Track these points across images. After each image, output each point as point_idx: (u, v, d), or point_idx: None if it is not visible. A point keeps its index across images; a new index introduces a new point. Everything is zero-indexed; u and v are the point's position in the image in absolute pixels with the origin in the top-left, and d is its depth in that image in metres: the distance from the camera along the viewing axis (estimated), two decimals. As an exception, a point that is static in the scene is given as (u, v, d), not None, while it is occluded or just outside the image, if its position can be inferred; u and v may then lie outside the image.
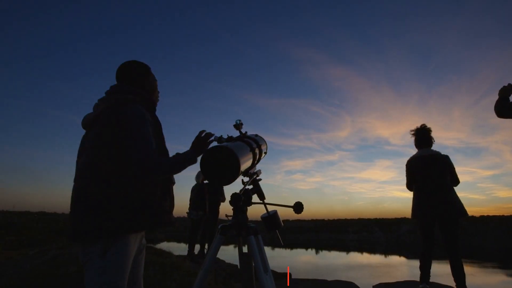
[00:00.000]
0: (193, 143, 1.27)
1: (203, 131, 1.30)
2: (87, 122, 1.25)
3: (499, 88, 2.01)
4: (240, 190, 1.15)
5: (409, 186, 3.04)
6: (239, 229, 1.12)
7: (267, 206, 1.23)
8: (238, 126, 1.30)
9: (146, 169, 1.09)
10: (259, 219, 1.25)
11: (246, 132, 1.36)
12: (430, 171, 2.84)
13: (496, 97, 2.01)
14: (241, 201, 1.09)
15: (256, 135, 1.41)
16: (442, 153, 2.92)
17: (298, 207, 1.15)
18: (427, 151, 2.95)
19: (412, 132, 3.08)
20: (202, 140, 1.28)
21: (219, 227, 1.15)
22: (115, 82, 1.33)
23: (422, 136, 3.01)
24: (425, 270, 2.76)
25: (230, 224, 1.13)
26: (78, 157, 1.23)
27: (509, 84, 1.99)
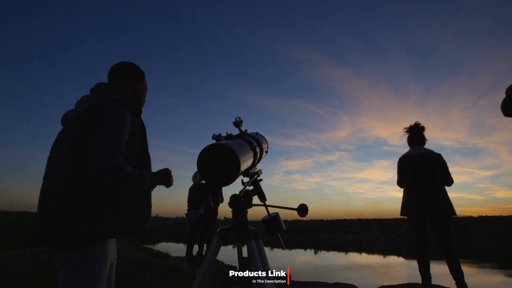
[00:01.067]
0: (160, 172, 1.24)
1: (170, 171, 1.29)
2: (67, 120, 1.19)
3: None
4: (240, 191, 1.08)
5: (400, 184, 3.02)
6: (239, 232, 1.05)
7: (269, 208, 1.16)
8: (237, 123, 1.23)
9: (100, 168, 0.99)
10: (259, 220, 1.19)
11: (246, 130, 1.29)
12: (421, 170, 2.82)
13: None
14: (241, 203, 1.02)
15: (257, 133, 1.34)
16: (436, 152, 2.89)
17: (302, 209, 1.08)
18: (419, 149, 2.92)
19: (406, 130, 3.06)
20: (170, 175, 1.27)
21: (218, 230, 1.08)
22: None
23: (415, 134, 2.99)
24: (424, 272, 2.72)
25: (229, 227, 1.06)
26: (51, 154, 1.16)
27: None
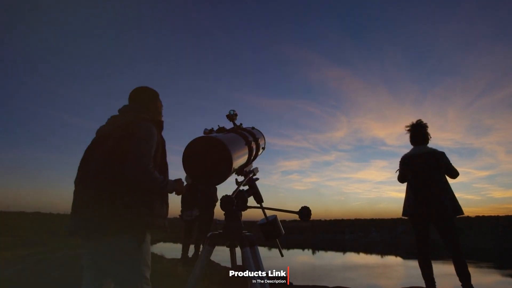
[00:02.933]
0: (178, 181, 1.43)
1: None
2: (103, 133, 1.40)
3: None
4: (233, 192, 0.94)
5: (401, 180, 2.89)
6: (232, 239, 0.92)
7: (266, 210, 1.03)
8: (231, 116, 1.10)
9: (136, 172, 1.19)
10: (256, 220, 1.05)
11: (241, 124, 1.16)
12: (423, 170, 2.69)
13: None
14: (233, 205, 0.88)
15: (253, 128, 1.20)
16: (439, 150, 2.75)
17: (304, 213, 0.94)
18: (421, 149, 2.78)
19: (407, 128, 2.90)
20: (183, 185, 1.45)
21: (208, 235, 0.95)
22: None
23: (418, 132, 2.83)
24: (428, 277, 2.61)
25: (221, 233, 0.93)
26: (88, 158, 1.35)
27: None
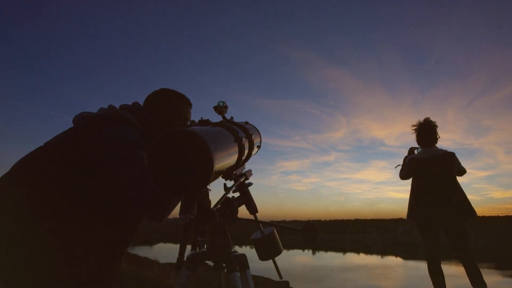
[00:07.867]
0: None
1: None
2: None
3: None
4: (219, 201, 0.75)
5: (405, 178, 2.71)
6: (218, 260, 0.73)
7: (262, 222, 0.83)
8: (221, 109, 0.88)
9: None
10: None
11: (232, 117, 0.96)
12: (436, 174, 2.50)
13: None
14: (215, 219, 0.68)
15: (246, 123, 0.99)
16: (449, 151, 2.56)
17: (309, 231, 0.76)
18: (433, 151, 2.58)
19: (414, 128, 2.68)
20: None
21: (187, 256, 0.76)
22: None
23: (427, 132, 2.62)
24: (439, 286, 2.44)
25: (204, 252, 0.74)
26: None
27: None
